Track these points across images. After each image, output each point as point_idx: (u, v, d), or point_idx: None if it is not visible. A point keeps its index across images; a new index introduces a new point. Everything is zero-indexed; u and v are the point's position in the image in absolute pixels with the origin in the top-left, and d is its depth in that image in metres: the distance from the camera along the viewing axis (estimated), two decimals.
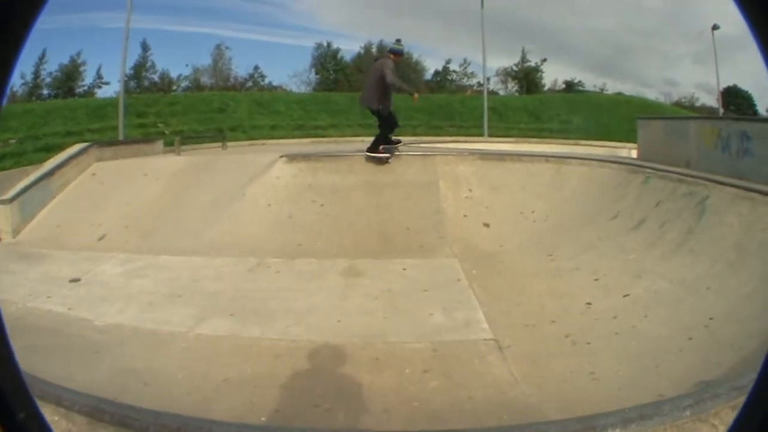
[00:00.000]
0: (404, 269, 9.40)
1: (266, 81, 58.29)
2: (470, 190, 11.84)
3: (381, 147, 12.93)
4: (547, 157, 12.78)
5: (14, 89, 54.22)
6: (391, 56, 13.42)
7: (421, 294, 8.25)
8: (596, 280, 7.94)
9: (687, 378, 4.81)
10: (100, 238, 12.37)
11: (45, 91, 53.25)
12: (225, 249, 10.81)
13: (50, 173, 15.33)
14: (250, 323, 7.43)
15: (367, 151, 12.91)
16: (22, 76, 53.47)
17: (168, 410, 4.05)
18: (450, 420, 4.85)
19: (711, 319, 5.91)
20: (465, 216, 11.23)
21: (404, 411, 5.05)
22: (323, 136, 33.38)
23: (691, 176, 9.43)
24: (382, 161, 12.73)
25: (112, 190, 14.92)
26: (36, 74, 52.93)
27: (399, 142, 13.80)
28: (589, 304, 7.25)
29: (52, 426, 3.26)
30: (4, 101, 1.50)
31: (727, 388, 3.62)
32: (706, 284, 6.77)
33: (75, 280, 9.85)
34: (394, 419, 4.91)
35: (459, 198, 11.73)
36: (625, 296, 7.22)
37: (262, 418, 4.76)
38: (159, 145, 22.73)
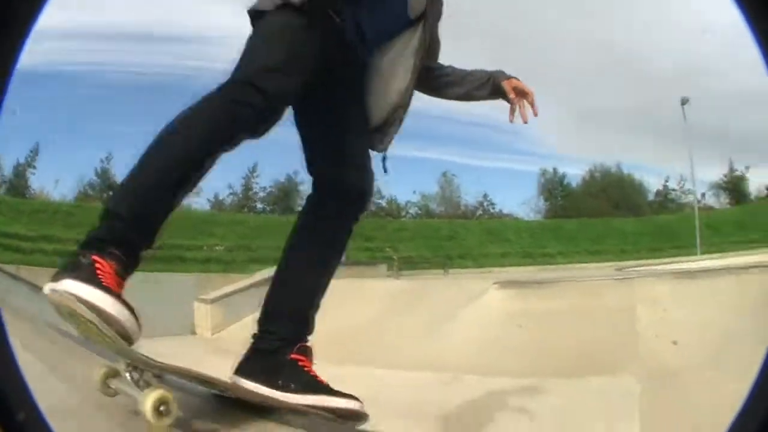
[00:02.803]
0: (587, 386, 9.46)
1: (496, 209, 58.91)
2: (664, 310, 11.65)
3: None
4: (730, 269, 12.57)
5: (220, 197, 57.37)
6: None
7: (593, 409, 8.32)
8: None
9: None
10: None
11: (258, 205, 56.01)
12: (432, 366, 10.88)
13: (263, 283, 16.29)
14: (421, 422, 7.61)
15: None
16: (230, 186, 56.54)
17: None
18: None
19: None
20: (656, 336, 11.15)
21: None
22: (551, 263, 33.53)
23: None
24: None
25: (329, 306, 15.15)
26: (247, 186, 55.81)
27: None
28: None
29: None
30: (5, 102, 1.53)
31: None
32: None
33: None
34: None
35: (653, 318, 11.39)
36: None
37: None
38: (382, 268, 23.39)
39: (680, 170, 59.69)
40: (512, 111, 3.79)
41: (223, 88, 3.11)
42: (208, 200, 57.57)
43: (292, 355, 3.49)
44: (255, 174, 57.70)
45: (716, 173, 61.80)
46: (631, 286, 12.74)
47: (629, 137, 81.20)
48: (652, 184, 68.87)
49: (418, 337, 12.50)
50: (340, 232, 3.91)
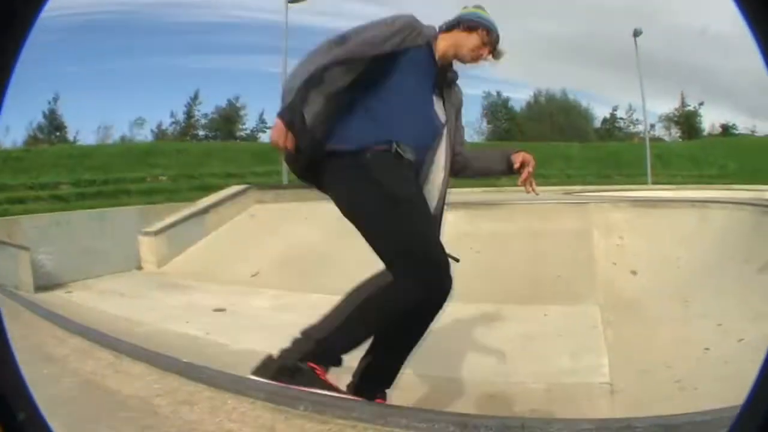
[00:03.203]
0: (545, 315, 9.42)
1: None
2: (621, 238, 11.65)
3: None
4: (692, 203, 12.57)
5: (163, 127, 56.90)
6: None
7: (555, 339, 8.24)
8: (719, 325, 7.66)
9: None
10: (254, 275, 12.94)
11: (201, 132, 55.48)
12: None
13: (204, 211, 16.03)
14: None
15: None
16: (173, 115, 56.07)
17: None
18: None
19: None
20: (614, 264, 11.06)
21: None
22: (494, 185, 33.51)
23: None
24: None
25: (269, 231, 15.45)
26: (189, 114, 55.24)
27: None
28: (707, 349, 7.05)
29: None
30: (5, 102, 1.57)
31: None
32: None
33: (219, 310, 10.30)
34: None
35: (610, 245, 11.55)
36: (740, 341, 6.98)
37: None
38: None
39: (630, 101, 60.28)
40: (525, 183, 4.44)
41: None
42: (152, 131, 57.00)
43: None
44: (197, 101, 57.17)
45: (668, 107, 62.55)
46: (585, 212, 12.65)
47: (578, 66, 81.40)
48: (600, 112, 69.53)
49: (371, 261, 12.28)
50: None
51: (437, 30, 4.21)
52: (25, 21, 1.46)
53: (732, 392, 5.71)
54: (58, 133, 57.42)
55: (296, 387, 3.71)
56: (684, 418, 3.47)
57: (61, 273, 13.00)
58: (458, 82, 4.47)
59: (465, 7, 4.28)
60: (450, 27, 4.20)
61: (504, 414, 5.66)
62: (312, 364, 3.84)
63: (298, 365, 3.84)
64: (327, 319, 4.21)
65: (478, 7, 4.24)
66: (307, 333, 4.05)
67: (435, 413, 4.20)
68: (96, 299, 11.41)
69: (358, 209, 4.28)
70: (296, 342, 4.03)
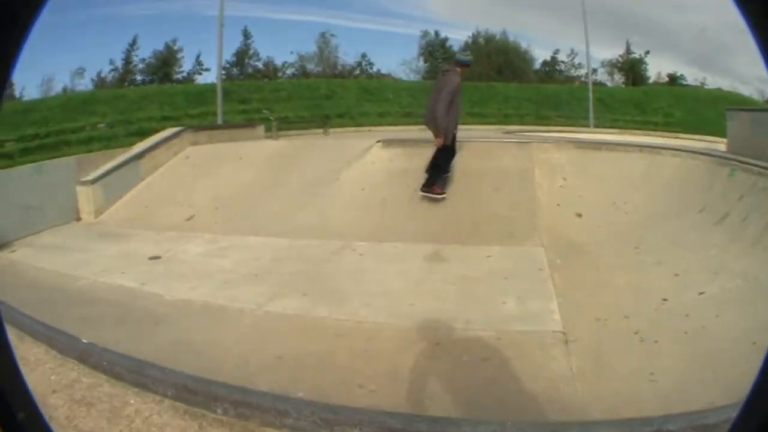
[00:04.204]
0: (489, 256, 9.24)
1: (374, 69, 58.42)
2: (565, 179, 11.56)
3: (437, 185, 11.75)
4: (641, 148, 12.41)
5: (102, 75, 55.88)
6: (459, 68, 11.60)
7: (500, 282, 8.06)
8: (676, 275, 7.58)
9: (740, 387, 4.53)
10: (188, 219, 12.73)
11: (138, 77, 54.49)
12: (313, 232, 10.89)
13: (139, 156, 15.72)
14: (321, 303, 7.45)
15: (422, 190, 11.70)
16: (111, 63, 54.96)
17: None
18: (491, 411, 4.72)
19: None
20: (558, 205, 10.96)
21: (448, 398, 4.96)
22: None
23: None
24: (437, 199, 11.71)
25: (204, 173, 15.32)
26: (127, 60, 54.18)
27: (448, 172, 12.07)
28: (665, 300, 6.91)
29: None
30: (4, 99, 1.52)
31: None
32: None
33: (154, 258, 10.10)
34: (435, 405, 4.83)
35: (553, 187, 11.47)
36: (700, 294, 6.86)
37: (300, 394, 4.68)
38: (260, 130, 22.98)
39: (572, 45, 60.25)
40: None
41: None
42: (92, 80, 55.91)
43: None
44: (135, 47, 56.17)
45: (612, 53, 62.69)
46: (527, 151, 12.60)
47: (519, 8, 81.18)
48: (541, 55, 69.48)
49: (303, 201, 12.33)
50: None
51: None
52: (25, 21, 1.45)
53: (695, 350, 5.58)
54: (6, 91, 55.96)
55: None
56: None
57: (5, 232, 12.70)
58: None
59: None
60: None
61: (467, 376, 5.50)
62: None
63: None
64: None
65: None
66: None
67: (376, 413, 4.08)
68: (37, 256, 11.01)
69: None
70: None
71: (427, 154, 11.86)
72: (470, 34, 62.00)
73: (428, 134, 11.35)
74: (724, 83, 67.35)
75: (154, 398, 3.48)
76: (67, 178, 14.31)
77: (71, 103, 35.85)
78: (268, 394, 4.34)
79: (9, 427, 1.46)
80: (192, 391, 3.34)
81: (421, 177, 11.73)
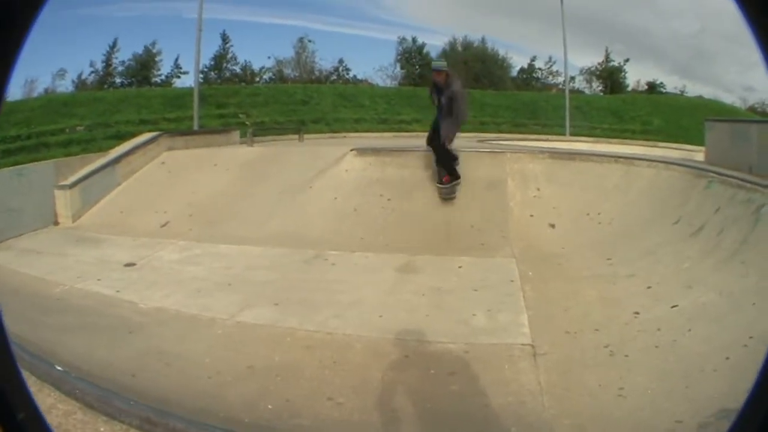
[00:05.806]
0: (460, 267, 9.25)
1: (351, 74, 58.40)
2: (538, 189, 11.60)
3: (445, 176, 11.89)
4: (616, 158, 12.45)
5: (83, 77, 55.59)
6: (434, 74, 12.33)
7: (470, 293, 8.08)
8: (648, 288, 7.62)
9: (711, 404, 4.55)
10: (163, 225, 12.69)
11: (117, 80, 54.24)
12: (285, 240, 10.92)
13: (116, 161, 15.68)
14: (292, 314, 7.47)
15: (439, 184, 11.85)
16: (92, 65, 54.60)
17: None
18: (456, 426, 4.78)
19: (751, 338, 5.52)
20: (531, 216, 11.00)
21: (413, 411, 5.00)
22: (407, 131, 33.22)
23: (750, 182, 8.87)
24: (446, 189, 11.85)
25: (180, 178, 15.27)
26: (107, 63, 53.93)
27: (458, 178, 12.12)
28: (636, 313, 6.94)
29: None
30: (4, 100, 1.51)
31: None
32: (751, 300, 6.35)
33: (130, 265, 10.09)
34: (400, 419, 4.89)
35: (527, 197, 11.53)
36: (673, 307, 6.87)
37: (269, 406, 4.72)
38: (235, 135, 22.94)
39: (550, 53, 60.37)
40: None
41: None
42: (73, 81, 55.62)
43: None
44: (115, 49, 55.95)
45: (590, 61, 62.78)
46: (501, 161, 12.63)
47: (498, 15, 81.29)
48: (518, 62, 69.69)
49: (275, 209, 12.40)
50: None
51: None
52: (25, 21, 1.46)
53: (667, 365, 5.61)
54: None
55: None
56: None
57: None
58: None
59: None
60: None
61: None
62: None
63: None
64: None
65: None
66: None
67: None
68: (17, 260, 10.96)
69: None
70: None
71: (400, 162, 12.12)
72: (446, 41, 62.15)
73: (400, 142, 11.54)
74: (705, 91, 67.83)
75: (121, 427, 3.51)
76: (45, 181, 14.27)
77: (52, 105, 35.67)
78: (217, 428, 4.40)
79: (9, 427, 1.47)
80: (153, 423, 3.38)
81: (394, 186, 12.04)
